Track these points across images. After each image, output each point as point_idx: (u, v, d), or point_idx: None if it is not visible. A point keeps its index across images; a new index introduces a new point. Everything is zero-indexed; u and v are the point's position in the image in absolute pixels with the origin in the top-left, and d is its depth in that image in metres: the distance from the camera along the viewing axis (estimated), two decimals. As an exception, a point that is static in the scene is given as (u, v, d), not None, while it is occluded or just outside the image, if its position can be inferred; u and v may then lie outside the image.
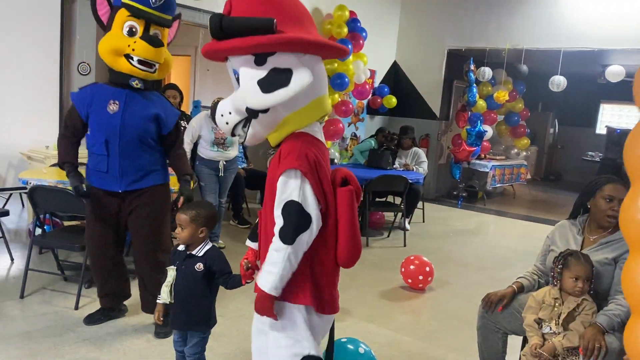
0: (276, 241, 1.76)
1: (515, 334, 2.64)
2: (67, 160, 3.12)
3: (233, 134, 1.90)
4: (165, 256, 3.01)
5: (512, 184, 10.11)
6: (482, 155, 9.21)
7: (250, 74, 1.74)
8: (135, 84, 3.02)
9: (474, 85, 8.37)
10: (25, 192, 4.98)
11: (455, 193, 9.16)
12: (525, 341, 2.60)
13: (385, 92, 8.72)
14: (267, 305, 1.79)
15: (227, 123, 1.86)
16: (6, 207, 4.81)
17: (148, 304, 3.25)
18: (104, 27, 3.07)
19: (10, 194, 5.52)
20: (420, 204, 6.93)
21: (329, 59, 1.92)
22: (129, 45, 2.94)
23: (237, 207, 6.13)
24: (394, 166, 6.69)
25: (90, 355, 2.92)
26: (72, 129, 3.13)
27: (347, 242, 1.84)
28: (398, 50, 9.35)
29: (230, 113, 1.84)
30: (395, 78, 9.31)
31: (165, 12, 3.07)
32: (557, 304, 2.36)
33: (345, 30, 7.39)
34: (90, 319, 3.32)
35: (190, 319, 2.40)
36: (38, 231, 3.90)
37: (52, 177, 4.04)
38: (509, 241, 6.68)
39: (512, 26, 8.14)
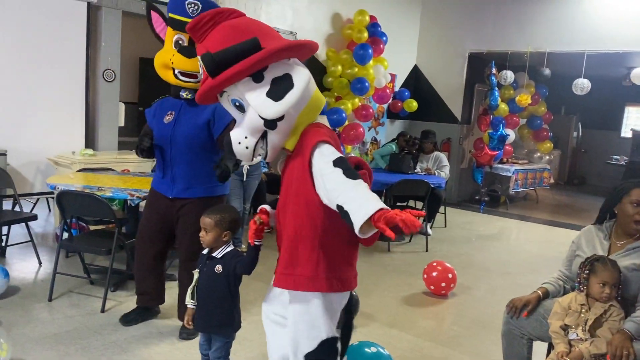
0: (349, 180, 1.77)
1: (540, 340, 2.61)
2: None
3: (253, 158, 1.98)
4: None
5: (535, 189, 9.98)
6: (505, 160, 9.11)
7: (256, 92, 1.87)
8: (185, 94, 3.10)
9: (496, 88, 8.30)
10: (52, 197, 5.08)
11: (477, 197, 9.08)
12: (550, 347, 2.57)
13: (405, 96, 8.71)
14: (389, 215, 1.66)
15: (247, 147, 1.94)
16: (34, 212, 4.92)
17: (184, 312, 3.26)
18: (163, 42, 3.18)
19: (38, 199, 5.64)
20: (442, 209, 6.89)
21: (307, 59, 2.10)
22: (170, 59, 3.03)
23: (259, 212, 6.14)
24: (416, 170, 6.67)
25: (116, 358, 2.97)
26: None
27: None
28: (418, 54, 9.33)
29: (246, 137, 1.93)
30: (416, 82, 9.29)
31: None
32: (583, 310, 2.33)
33: (366, 34, 7.40)
34: (126, 319, 3.39)
35: (211, 321, 2.42)
36: (65, 235, 3.97)
37: (79, 182, 4.12)
38: (532, 246, 6.60)
39: (534, 29, 8.06)
